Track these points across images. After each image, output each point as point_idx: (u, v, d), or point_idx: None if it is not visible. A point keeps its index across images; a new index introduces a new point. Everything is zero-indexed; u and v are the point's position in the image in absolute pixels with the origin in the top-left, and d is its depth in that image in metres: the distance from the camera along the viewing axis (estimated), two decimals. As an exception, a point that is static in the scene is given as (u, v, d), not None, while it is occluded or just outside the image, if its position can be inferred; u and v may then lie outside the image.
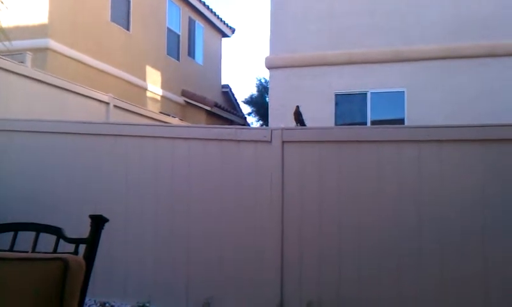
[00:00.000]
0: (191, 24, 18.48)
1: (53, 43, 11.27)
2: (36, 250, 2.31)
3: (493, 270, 4.41)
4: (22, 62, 7.87)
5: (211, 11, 19.60)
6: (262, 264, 5.00)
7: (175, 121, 13.54)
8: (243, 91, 34.37)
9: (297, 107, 7.35)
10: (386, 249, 4.69)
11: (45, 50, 11.09)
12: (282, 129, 5.10)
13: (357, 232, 4.78)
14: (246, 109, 24.76)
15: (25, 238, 2.38)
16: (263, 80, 24.66)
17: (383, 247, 4.70)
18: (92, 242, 2.26)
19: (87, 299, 5.17)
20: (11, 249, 2.32)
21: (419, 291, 4.55)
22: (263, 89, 24.28)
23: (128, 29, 14.43)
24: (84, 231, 2.34)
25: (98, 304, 5.36)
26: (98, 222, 2.29)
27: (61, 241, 2.31)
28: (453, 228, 4.52)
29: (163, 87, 16.34)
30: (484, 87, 10.47)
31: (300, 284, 4.89)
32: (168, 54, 16.79)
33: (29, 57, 8.40)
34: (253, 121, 24.99)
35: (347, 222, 4.81)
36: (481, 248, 4.45)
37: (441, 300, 4.51)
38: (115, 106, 9.37)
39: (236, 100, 22.67)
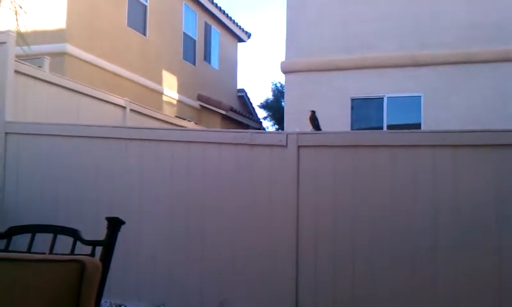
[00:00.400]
0: (207, 29, 18.55)
1: (70, 48, 11.39)
2: (54, 251, 2.34)
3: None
4: (40, 66, 7.95)
5: (227, 16, 19.66)
6: (278, 270, 5.00)
7: (191, 125, 13.58)
8: (259, 95, 34.48)
9: (313, 112, 7.35)
10: (401, 257, 4.67)
11: (63, 54, 11.21)
12: (298, 133, 5.10)
13: (372, 237, 4.76)
14: (261, 113, 24.78)
15: (43, 240, 2.41)
16: (278, 85, 24.67)
17: (397, 254, 4.68)
18: (108, 244, 2.28)
19: (102, 301, 5.20)
20: (28, 251, 2.34)
21: (433, 286, 4.54)
22: (278, 93, 24.28)
23: (144, 33, 14.53)
24: (100, 232, 2.36)
25: (114, 306, 5.39)
26: (114, 224, 2.31)
27: (78, 243, 2.34)
28: (467, 229, 4.49)
29: (179, 91, 16.42)
30: (500, 91, 10.39)
31: (315, 285, 4.88)
32: (183, 59, 16.87)
33: (47, 61, 8.48)
34: (269, 125, 25.02)
35: (362, 227, 4.80)
36: (495, 250, 4.43)
37: (454, 294, 4.49)
38: (131, 110, 9.43)
39: (251, 104, 22.70)
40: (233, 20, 20.30)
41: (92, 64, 12.07)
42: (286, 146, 5.04)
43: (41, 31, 11.21)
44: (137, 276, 5.48)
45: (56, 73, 8.27)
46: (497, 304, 4.40)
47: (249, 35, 21.98)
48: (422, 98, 10.93)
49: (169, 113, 14.27)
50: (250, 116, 20.76)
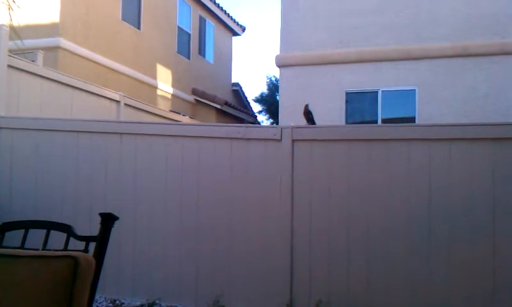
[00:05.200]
0: (202, 23, 18.49)
1: (64, 42, 11.33)
2: (47, 247, 2.33)
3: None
4: (33, 61, 7.91)
5: (222, 9, 19.60)
6: (272, 265, 5.01)
7: (185, 119, 13.55)
8: (253, 89, 34.34)
9: (306, 105, 7.34)
10: (397, 250, 4.69)
11: (56, 48, 11.15)
12: (292, 127, 5.10)
13: (367, 231, 4.78)
14: (256, 107, 24.74)
15: (36, 236, 2.40)
16: (273, 79, 24.63)
17: (393, 247, 4.70)
18: (102, 239, 2.27)
19: (97, 296, 5.20)
20: (21, 247, 2.33)
21: (428, 279, 4.56)
22: (273, 87, 24.25)
23: (139, 27, 14.47)
24: (95, 227, 2.35)
25: (109, 302, 5.39)
26: (108, 220, 2.30)
27: (72, 238, 2.33)
28: (461, 219, 4.53)
29: (174, 85, 16.38)
30: (495, 85, 10.40)
31: (310, 278, 4.90)
32: (178, 53, 16.81)
33: (40, 55, 8.42)
34: (264, 119, 25.00)
35: (357, 221, 4.81)
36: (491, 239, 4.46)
37: (449, 284, 4.52)
38: (126, 104, 9.39)
39: (246, 98, 22.67)
40: (228, 14, 20.24)
41: (86, 58, 12.01)
42: (280, 140, 5.05)
43: (35, 25, 11.15)
44: (133, 271, 5.47)
45: (49, 68, 8.23)
46: (491, 292, 4.43)
47: (243, 29, 21.92)
48: (416, 92, 10.93)
49: (163, 107, 14.24)
50: (245, 110, 20.74)
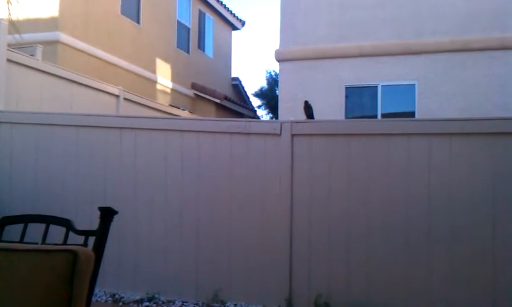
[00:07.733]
0: (201, 17, 18.44)
1: (63, 36, 11.29)
2: (46, 242, 2.33)
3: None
4: (32, 55, 7.89)
5: (221, 3, 19.55)
6: (272, 260, 5.02)
7: (185, 114, 13.54)
8: (253, 83, 34.26)
9: (306, 101, 7.33)
10: (397, 245, 4.69)
11: (56, 43, 11.11)
12: (292, 122, 5.10)
13: (367, 225, 4.78)
14: (255, 101, 24.65)
15: (36, 230, 2.40)
16: (273, 73, 24.56)
17: (393, 242, 4.70)
18: (101, 234, 2.26)
19: (97, 290, 5.21)
20: (21, 241, 2.33)
21: (428, 276, 4.57)
22: (273, 82, 24.17)
23: (138, 22, 14.43)
24: (95, 221, 2.35)
25: (108, 295, 5.40)
26: (107, 214, 2.30)
27: (71, 233, 2.32)
28: (461, 214, 4.52)
29: (173, 80, 16.34)
30: (495, 79, 10.38)
31: (309, 274, 4.90)
32: (177, 47, 16.77)
33: (39, 50, 8.40)
34: (263, 114, 24.93)
35: (356, 215, 4.81)
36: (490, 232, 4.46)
37: (448, 280, 4.53)
38: (125, 99, 9.39)
39: (246, 92, 22.63)
40: (228, 8, 20.18)
41: (85, 53, 11.98)
42: (280, 134, 5.05)
43: (34, 19, 11.11)
44: (133, 265, 5.48)
45: (48, 62, 8.21)
46: (490, 289, 4.44)
47: (243, 23, 21.86)
48: (416, 87, 10.91)
49: (163, 102, 14.21)
50: (245, 105, 20.71)
